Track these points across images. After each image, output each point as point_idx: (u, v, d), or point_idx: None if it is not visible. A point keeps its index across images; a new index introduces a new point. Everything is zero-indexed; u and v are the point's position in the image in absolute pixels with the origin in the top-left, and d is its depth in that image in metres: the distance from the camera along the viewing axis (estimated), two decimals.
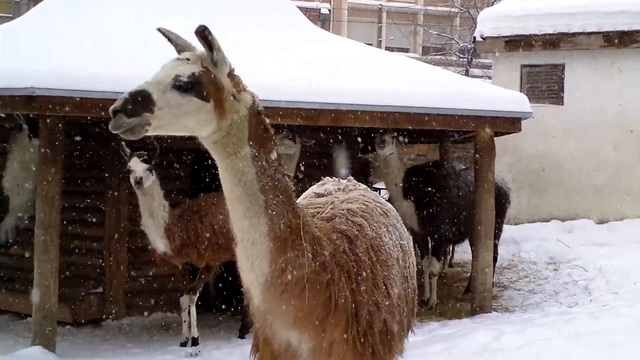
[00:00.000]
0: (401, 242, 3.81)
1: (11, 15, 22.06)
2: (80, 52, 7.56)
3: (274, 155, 3.03)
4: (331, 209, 3.55)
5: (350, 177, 4.32)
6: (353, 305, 3.23)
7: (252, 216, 2.97)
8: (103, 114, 6.89)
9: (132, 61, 7.51)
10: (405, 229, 4.10)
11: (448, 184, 9.65)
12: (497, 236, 9.83)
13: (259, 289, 3.07)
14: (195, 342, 7.43)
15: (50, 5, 9.39)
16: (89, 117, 7.30)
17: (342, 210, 3.52)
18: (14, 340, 7.61)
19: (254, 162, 2.95)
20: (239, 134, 2.92)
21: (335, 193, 3.90)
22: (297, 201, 3.10)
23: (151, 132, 2.80)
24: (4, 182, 7.73)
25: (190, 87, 2.80)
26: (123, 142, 6.95)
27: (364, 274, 3.30)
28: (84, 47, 7.78)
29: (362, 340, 3.26)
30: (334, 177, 4.27)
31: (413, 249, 4.16)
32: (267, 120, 3.06)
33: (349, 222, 3.43)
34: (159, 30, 3.04)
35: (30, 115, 7.24)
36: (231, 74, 2.98)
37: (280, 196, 3.01)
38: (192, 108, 2.81)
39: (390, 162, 9.33)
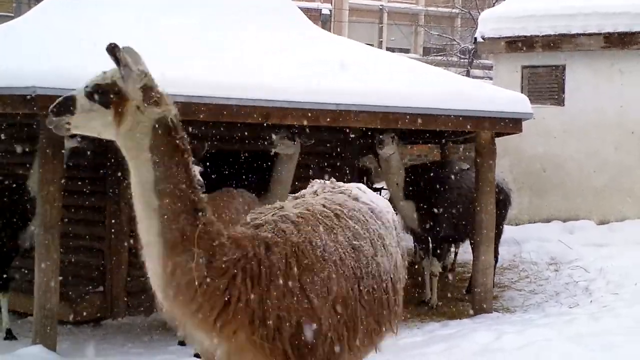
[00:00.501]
0: (354, 242, 3.82)
1: (12, 15, 22.07)
2: (80, 52, 7.54)
3: (181, 167, 3.27)
4: (272, 215, 3.67)
5: (332, 179, 4.41)
6: (259, 310, 3.33)
7: (147, 217, 3.23)
8: None
9: None
10: (370, 228, 4.04)
11: (449, 184, 9.64)
12: (497, 237, 9.84)
13: (159, 291, 3.31)
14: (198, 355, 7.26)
15: (51, 4, 9.39)
16: None
17: (277, 216, 3.66)
18: (15, 340, 7.62)
19: (154, 168, 3.22)
20: (141, 141, 3.24)
21: (307, 196, 4.06)
22: (201, 210, 3.31)
23: (73, 131, 3.38)
24: (30, 184, 7.56)
25: (95, 95, 3.28)
26: None
27: (276, 279, 3.38)
28: (84, 46, 7.76)
29: (272, 343, 3.36)
30: (322, 179, 4.36)
31: (382, 249, 4.03)
32: (179, 134, 3.32)
33: (275, 228, 3.55)
34: (107, 50, 3.33)
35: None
36: (146, 88, 3.29)
37: (178, 204, 3.22)
38: (96, 114, 3.29)
39: (391, 162, 9.32)
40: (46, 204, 6.97)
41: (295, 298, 3.41)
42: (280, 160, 8.53)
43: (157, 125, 3.26)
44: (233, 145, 9.30)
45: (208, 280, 3.24)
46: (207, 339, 3.40)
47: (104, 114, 3.28)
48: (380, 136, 9.04)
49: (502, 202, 9.90)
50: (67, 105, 3.32)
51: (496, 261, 10.03)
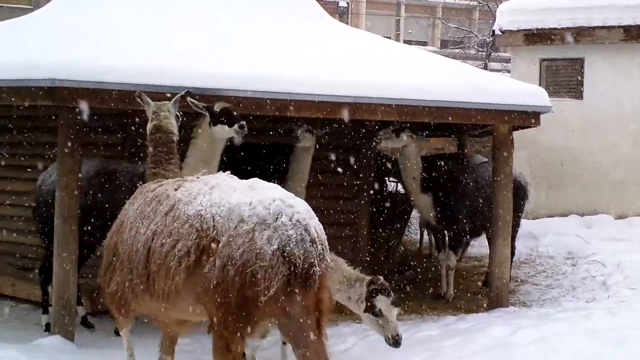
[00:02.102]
0: (126, 216, 5.09)
1: (31, 7, 22.19)
2: (97, 44, 7.61)
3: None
4: None
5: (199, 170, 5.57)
6: None
7: None
8: (119, 105, 6.96)
9: (146, 53, 7.56)
10: (135, 209, 4.98)
11: (466, 177, 9.61)
12: (514, 231, 9.80)
13: None
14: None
15: None
16: (106, 107, 7.36)
17: None
18: (34, 330, 7.70)
19: None
20: None
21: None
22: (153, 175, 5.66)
23: None
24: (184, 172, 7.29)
25: None
26: None
27: None
28: (100, 39, 7.83)
29: None
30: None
31: (134, 227, 4.87)
32: (157, 135, 5.74)
33: None
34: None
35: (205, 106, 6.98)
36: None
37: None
38: None
39: (407, 155, 9.32)
40: (64, 195, 7.02)
41: None
42: (298, 153, 8.54)
43: None
44: (248, 138, 9.31)
45: None
46: None
47: None
48: (379, 130, 9.08)
49: (519, 195, 9.85)
50: None
51: (513, 255, 10.00)
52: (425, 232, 12.84)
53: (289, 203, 4.38)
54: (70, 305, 7.03)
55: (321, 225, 4.47)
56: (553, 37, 13.24)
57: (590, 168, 13.09)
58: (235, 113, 6.90)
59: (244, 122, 6.79)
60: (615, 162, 12.90)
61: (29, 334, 7.39)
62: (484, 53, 24.29)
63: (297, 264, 4.18)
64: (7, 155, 9.37)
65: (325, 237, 4.48)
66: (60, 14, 9.05)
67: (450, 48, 27.50)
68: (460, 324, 7.87)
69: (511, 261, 9.73)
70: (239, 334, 4.34)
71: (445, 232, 9.86)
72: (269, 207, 4.33)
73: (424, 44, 31.22)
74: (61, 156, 7.06)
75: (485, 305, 8.97)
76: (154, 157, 5.63)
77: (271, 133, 9.17)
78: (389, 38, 19.26)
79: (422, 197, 9.44)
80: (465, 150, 12.78)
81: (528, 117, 8.67)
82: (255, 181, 4.73)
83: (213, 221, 4.40)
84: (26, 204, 9.14)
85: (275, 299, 4.20)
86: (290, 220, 4.27)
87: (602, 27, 12.85)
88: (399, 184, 11.75)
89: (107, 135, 8.67)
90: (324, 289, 4.45)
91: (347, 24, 24.20)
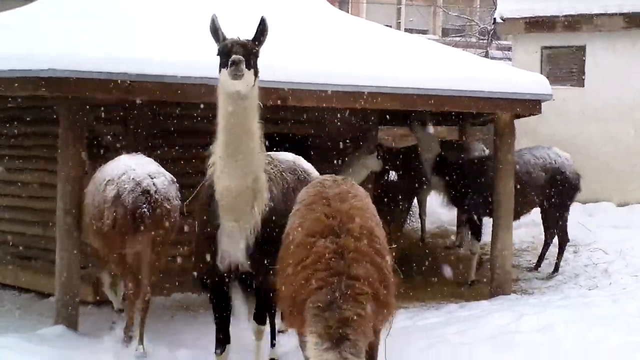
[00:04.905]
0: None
1: None
2: (97, 34, 7.59)
3: None
4: None
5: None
6: None
7: None
8: (120, 95, 6.95)
9: (149, 43, 7.55)
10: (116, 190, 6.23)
11: (478, 163, 9.82)
12: (564, 220, 10.26)
13: None
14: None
15: None
16: (107, 98, 7.35)
17: None
18: (37, 319, 7.72)
19: None
20: None
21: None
22: None
23: None
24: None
25: None
26: None
27: None
28: (101, 29, 7.81)
29: None
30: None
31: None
32: None
33: None
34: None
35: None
36: None
37: None
38: None
39: (419, 140, 10.18)
40: (68, 186, 7.04)
41: None
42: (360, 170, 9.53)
43: None
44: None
45: None
46: None
47: None
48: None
49: (567, 188, 10.06)
50: None
51: (564, 245, 10.33)
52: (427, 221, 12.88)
53: (134, 168, 6.32)
54: (73, 295, 7.05)
55: (165, 186, 6.30)
56: (555, 24, 13.20)
57: (591, 156, 13.04)
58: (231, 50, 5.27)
59: (234, 57, 5.05)
60: (617, 150, 12.89)
61: (32, 324, 7.43)
62: (485, 41, 24.23)
63: (127, 206, 6.10)
64: (10, 147, 9.37)
65: (170, 194, 6.34)
66: (58, 4, 9.02)
67: (451, 36, 27.41)
68: (463, 312, 7.89)
69: (545, 250, 10.44)
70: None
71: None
72: (119, 171, 6.30)
73: (425, 32, 31.08)
74: (63, 147, 7.07)
75: (487, 293, 8.99)
76: None
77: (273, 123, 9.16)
78: (390, 26, 19.22)
79: (434, 178, 10.01)
80: (467, 139, 12.82)
81: (529, 105, 8.67)
82: (139, 158, 6.66)
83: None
84: (29, 195, 9.17)
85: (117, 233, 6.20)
86: (129, 178, 6.21)
87: (603, 15, 12.82)
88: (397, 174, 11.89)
89: (109, 126, 8.66)
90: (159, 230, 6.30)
91: (348, 12, 24.12)
